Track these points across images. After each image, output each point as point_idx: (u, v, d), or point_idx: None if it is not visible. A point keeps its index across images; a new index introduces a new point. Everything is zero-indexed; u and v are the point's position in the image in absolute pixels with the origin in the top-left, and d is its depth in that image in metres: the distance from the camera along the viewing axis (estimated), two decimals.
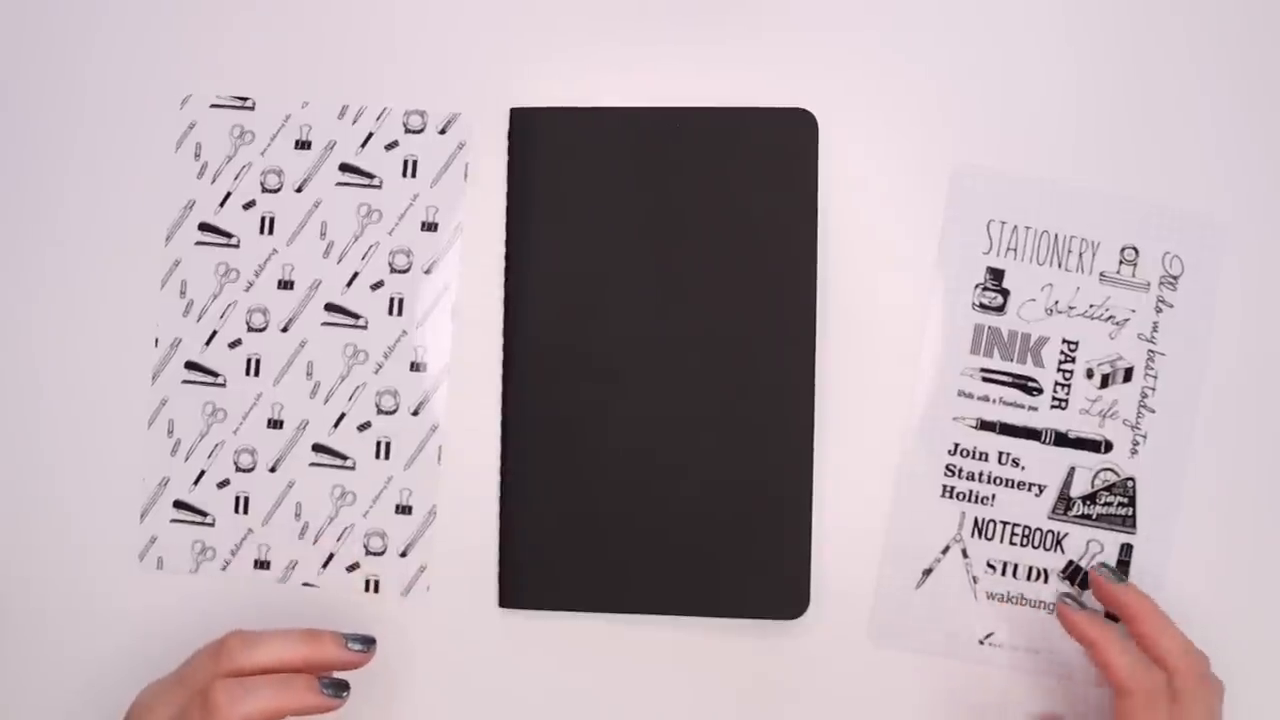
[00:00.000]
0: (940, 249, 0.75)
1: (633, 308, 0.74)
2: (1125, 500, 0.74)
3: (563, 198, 0.75)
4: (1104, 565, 0.72)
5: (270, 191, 0.77)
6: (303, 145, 0.77)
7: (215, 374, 0.76)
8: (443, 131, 0.77)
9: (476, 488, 0.76)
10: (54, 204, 0.77)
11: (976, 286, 0.75)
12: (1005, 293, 0.75)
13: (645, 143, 0.74)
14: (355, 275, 0.76)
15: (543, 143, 0.75)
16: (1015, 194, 0.75)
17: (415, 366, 0.76)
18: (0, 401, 0.77)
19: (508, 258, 0.75)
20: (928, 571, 0.75)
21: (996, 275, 0.75)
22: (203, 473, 0.76)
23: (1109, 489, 0.74)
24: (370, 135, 0.77)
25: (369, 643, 0.70)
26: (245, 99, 0.77)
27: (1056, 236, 0.74)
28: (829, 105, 0.75)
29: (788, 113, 0.74)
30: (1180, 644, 0.69)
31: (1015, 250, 0.75)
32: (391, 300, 0.76)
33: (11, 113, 0.78)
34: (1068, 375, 0.74)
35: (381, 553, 0.76)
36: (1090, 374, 0.74)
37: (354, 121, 0.77)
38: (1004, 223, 0.75)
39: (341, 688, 0.68)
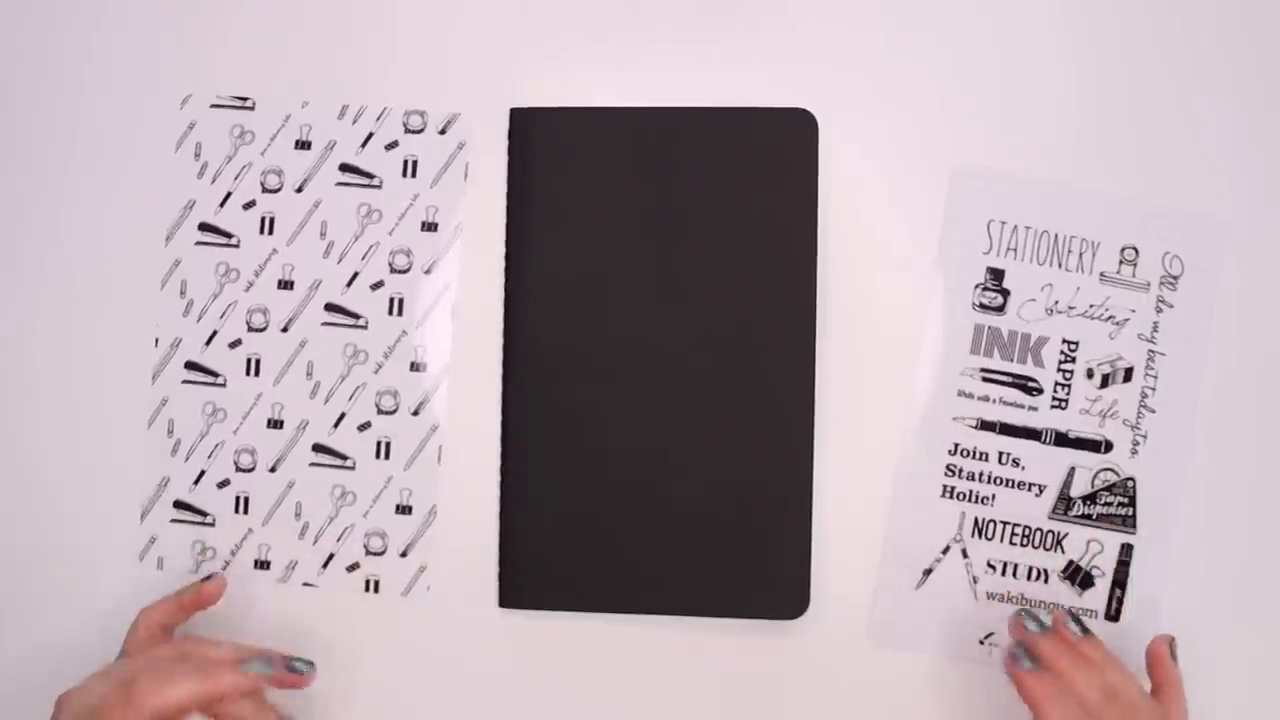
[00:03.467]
0: (940, 249, 0.75)
1: (633, 308, 0.74)
2: (1125, 500, 0.74)
3: (563, 198, 0.75)
4: (1026, 618, 0.70)
5: (270, 191, 0.77)
6: (303, 145, 0.77)
7: (215, 374, 0.76)
8: (443, 131, 0.77)
9: (476, 488, 0.76)
10: (54, 204, 0.77)
11: (976, 286, 0.75)
12: (1005, 293, 0.75)
13: (645, 143, 0.75)
14: (355, 275, 0.76)
15: (543, 143, 0.75)
16: (1015, 194, 0.75)
17: (415, 366, 0.76)
18: (1, 401, 0.77)
19: (508, 258, 0.75)
20: (928, 571, 0.75)
21: (996, 275, 0.75)
22: (203, 473, 0.76)
23: (1109, 489, 0.74)
24: (370, 135, 0.77)
25: (296, 668, 0.70)
26: (245, 99, 0.77)
27: (1056, 236, 0.75)
28: (829, 105, 0.75)
29: (788, 113, 0.74)
30: (1098, 685, 0.67)
31: (1015, 250, 0.75)
32: (391, 300, 0.76)
33: (12, 113, 0.78)
34: (1068, 375, 0.74)
35: (381, 553, 0.76)
36: (1090, 374, 0.74)
37: (354, 121, 0.77)
38: (1004, 223, 0.75)
39: (269, 662, 0.69)
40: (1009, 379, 0.74)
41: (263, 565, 0.76)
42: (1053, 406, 0.74)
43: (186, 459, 0.76)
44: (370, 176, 0.77)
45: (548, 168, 0.75)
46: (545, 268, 0.75)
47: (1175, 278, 0.74)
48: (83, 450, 0.77)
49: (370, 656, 0.76)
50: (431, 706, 0.75)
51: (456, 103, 0.77)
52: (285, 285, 0.76)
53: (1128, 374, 0.74)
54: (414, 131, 0.77)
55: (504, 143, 0.76)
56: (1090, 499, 0.74)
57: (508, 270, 0.75)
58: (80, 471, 0.77)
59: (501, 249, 0.76)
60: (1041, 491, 0.74)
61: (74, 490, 0.76)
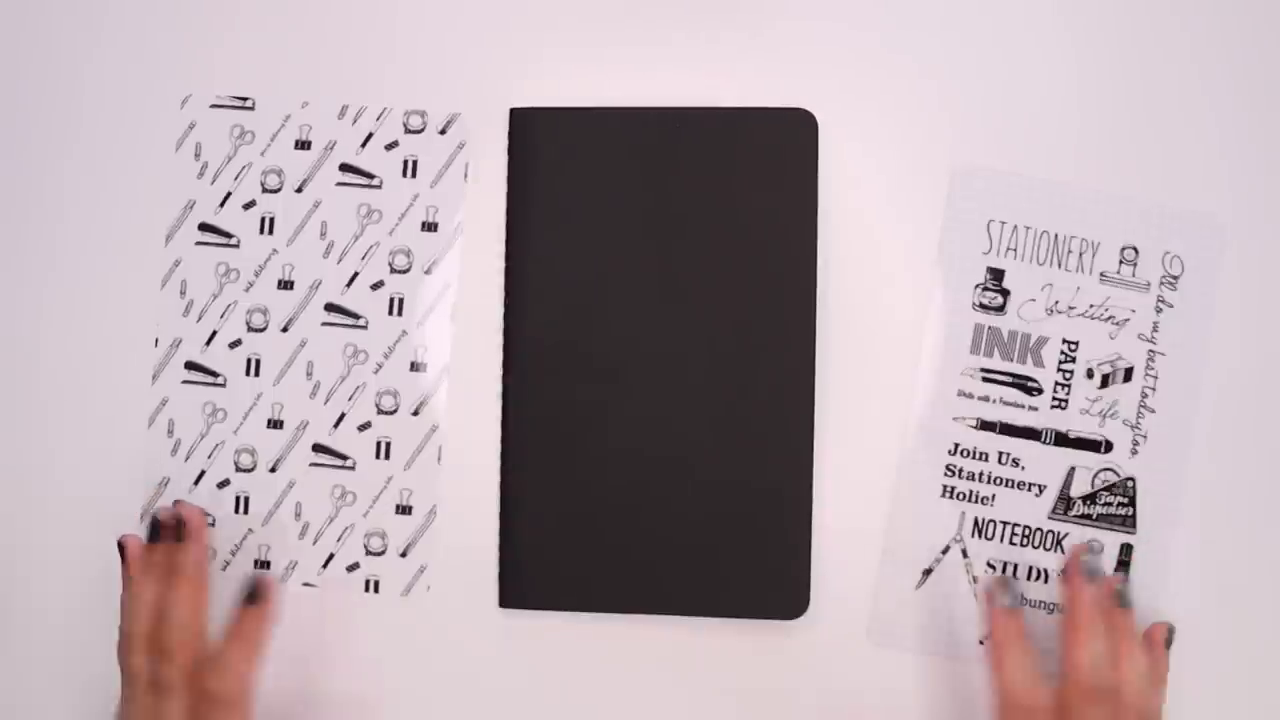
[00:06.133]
0: (940, 249, 0.75)
1: (633, 308, 0.74)
2: (1125, 500, 0.74)
3: (563, 198, 0.75)
4: (1089, 556, 0.71)
5: (270, 191, 0.77)
6: (303, 145, 0.77)
7: (215, 374, 0.76)
8: (443, 131, 0.77)
9: (476, 488, 0.76)
10: (55, 204, 0.77)
11: (976, 286, 0.75)
12: (1005, 293, 0.75)
13: (645, 143, 0.74)
14: (355, 275, 0.76)
15: (543, 143, 0.75)
16: (1015, 194, 0.75)
17: (415, 366, 0.76)
18: (1, 401, 0.77)
19: (508, 258, 0.75)
20: (928, 571, 0.75)
21: (996, 275, 0.75)
22: (203, 473, 0.76)
23: (1109, 489, 0.74)
24: (370, 135, 0.77)
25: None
26: (245, 99, 0.77)
27: (1056, 236, 0.75)
28: (829, 105, 0.75)
29: (788, 113, 0.74)
30: (1088, 657, 0.68)
31: (1015, 250, 0.75)
32: (391, 300, 0.76)
33: (12, 113, 0.78)
34: (1068, 375, 0.74)
35: (381, 553, 0.76)
36: (1090, 374, 0.74)
37: (354, 122, 0.77)
38: (1004, 223, 0.75)
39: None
40: (1009, 379, 0.74)
41: (263, 565, 0.76)
42: (1053, 406, 0.74)
43: (186, 459, 0.76)
44: (370, 176, 0.77)
45: (548, 168, 0.75)
46: (545, 268, 0.75)
47: (1175, 278, 0.74)
48: (83, 450, 0.77)
49: (370, 656, 0.76)
50: (431, 706, 0.75)
51: (456, 103, 0.77)
52: (285, 285, 0.76)
53: (1128, 374, 0.74)
54: (414, 131, 0.77)
55: (504, 143, 0.76)
56: (1090, 499, 0.74)
57: (508, 270, 0.75)
58: (81, 471, 0.77)
59: (501, 249, 0.76)
60: (1041, 491, 0.74)
61: (75, 490, 0.77)
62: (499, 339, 0.76)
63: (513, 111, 0.76)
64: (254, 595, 0.71)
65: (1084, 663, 0.68)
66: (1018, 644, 0.69)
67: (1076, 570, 0.70)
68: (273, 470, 0.76)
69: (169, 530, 0.72)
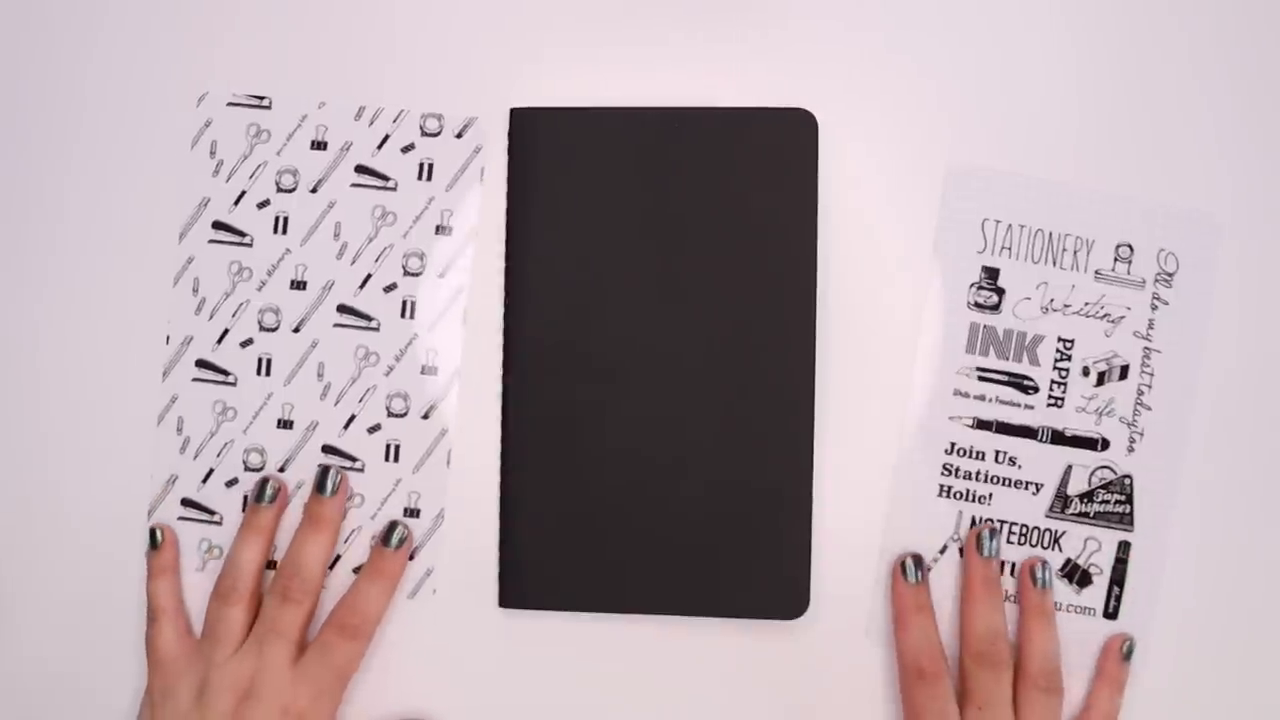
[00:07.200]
0: (935, 248, 0.76)
1: (633, 308, 0.75)
2: (1123, 498, 0.74)
3: (563, 198, 0.75)
4: (985, 534, 0.74)
5: (285, 191, 0.78)
6: (319, 146, 0.78)
7: (226, 373, 0.77)
8: (459, 135, 0.77)
9: (485, 491, 0.76)
10: (68, 200, 0.78)
11: (971, 285, 0.75)
12: (1000, 291, 0.75)
13: (645, 143, 0.75)
14: (368, 277, 0.77)
15: (543, 143, 0.76)
16: (1010, 192, 0.75)
17: (426, 370, 0.77)
18: (10, 396, 0.78)
19: (508, 258, 0.76)
20: (926, 571, 0.75)
21: (991, 274, 0.75)
22: (211, 471, 0.77)
23: (1106, 487, 0.74)
24: (386, 137, 0.78)
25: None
26: (262, 98, 0.78)
27: (1051, 235, 0.75)
28: (829, 105, 0.76)
29: (788, 113, 0.75)
30: (980, 626, 0.72)
31: (1010, 249, 0.75)
32: (404, 303, 0.77)
33: (27, 109, 0.79)
34: (1064, 373, 0.74)
35: None
36: (1086, 372, 0.74)
37: (370, 123, 0.78)
38: (999, 221, 0.75)
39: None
40: (1005, 378, 0.75)
41: (270, 565, 0.76)
42: (1049, 405, 0.74)
43: (195, 457, 0.77)
44: (385, 179, 0.77)
45: (548, 168, 0.76)
46: (545, 268, 0.75)
47: (1170, 275, 0.74)
48: (91, 446, 0.78)
49: (373, 657, 0.76)
50: (432, 707, 0.75)
51: (473, 106, 0.77)
52: (298, 285, 0.77)
53: (1124, 371, 0.74)
54: (431, 135, 0.77)
55: (504, 143, 0.77)
56: (1087, 497, 0.74)
57: (508, 270, 0.76)
58: (89, 467, 0.78)
59: (503, 249, 0.77)
60: (1039, 490, 0.74)
61: (82, 486, 0.77)
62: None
63: (513, 111, 0.77)
64: (399, 540, 0.75)
65: (976, 631, 0.71)
66: (920, 614, 0.72)
67: (972, 548, 0.73)
68: (282, 470, 0.77)
69: (329, 483, 0.75)
